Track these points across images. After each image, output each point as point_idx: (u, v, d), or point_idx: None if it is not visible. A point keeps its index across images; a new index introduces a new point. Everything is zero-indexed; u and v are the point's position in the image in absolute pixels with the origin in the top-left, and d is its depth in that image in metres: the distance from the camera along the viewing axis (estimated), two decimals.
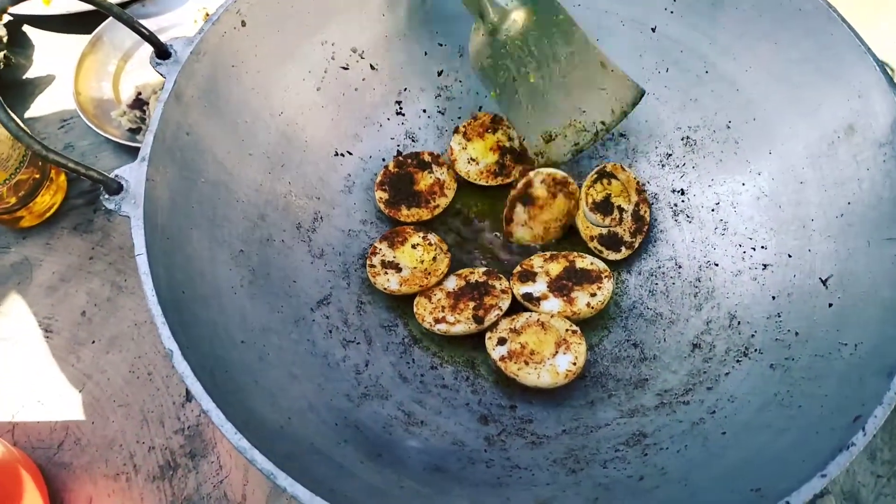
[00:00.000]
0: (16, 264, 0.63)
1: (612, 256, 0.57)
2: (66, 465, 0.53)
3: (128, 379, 0.56)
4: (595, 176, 0.59)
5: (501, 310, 0.53)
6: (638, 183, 0.59)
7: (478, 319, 0.52)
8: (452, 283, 0.55)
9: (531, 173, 0.55)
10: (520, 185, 0.56)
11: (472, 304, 0.54)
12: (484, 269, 0.57)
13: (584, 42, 0.54)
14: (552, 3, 0.54)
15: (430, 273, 0.55)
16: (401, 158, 0.61)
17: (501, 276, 0.56)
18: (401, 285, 0.54)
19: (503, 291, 0.55)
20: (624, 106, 0.55)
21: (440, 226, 0.61)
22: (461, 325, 0.52)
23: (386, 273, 0.55)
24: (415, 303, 0.54)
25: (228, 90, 0.50)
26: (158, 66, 0.45)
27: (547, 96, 0.56)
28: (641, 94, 0.54)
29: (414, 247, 0.56)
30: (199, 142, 0.47)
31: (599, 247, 0.57)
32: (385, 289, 0.54)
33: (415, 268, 0.56)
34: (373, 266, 0.55)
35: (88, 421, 0.55)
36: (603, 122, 0.55)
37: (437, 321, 0.53)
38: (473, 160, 0.61)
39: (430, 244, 0.57)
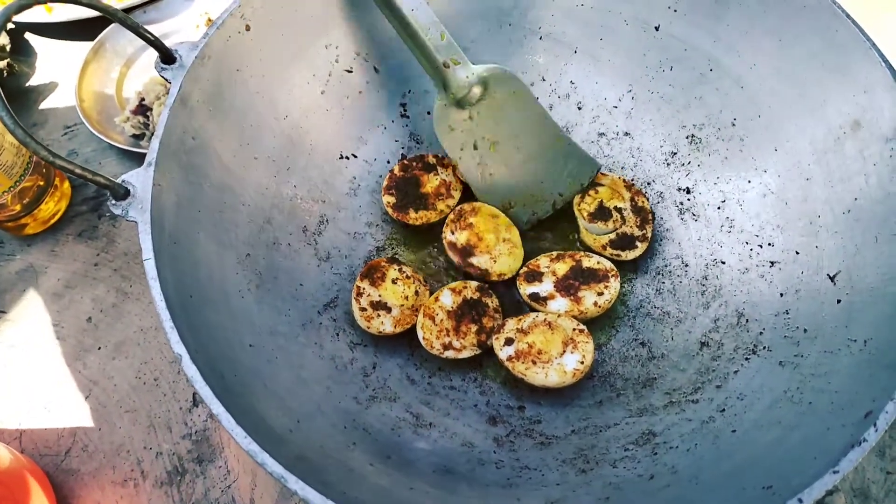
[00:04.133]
0: (21, 271, 0.63)
1: (632, 255, 0.57)
2: (73, 471, 0.53)
3: (134, 385, 0.56)
4: (581, 192, 0.59)
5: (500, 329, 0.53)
6: (623, 180, 0.59)
7: (482, 346, 0.53)
8: (448, 300, 0.54)
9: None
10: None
11: (474, 328, 0.53)
12: (476, 284, 0.56)
13: (543, 117, 0.57)
14: (512, 79, 0.56)
15: (417, 308, 0.55)
16: (406, 162, 0.61)
17: (491, 292, 0.55)
18: (395, 326, 0.53)
19: (496, 311, 0.55)
20: (581, 178, 0.58)
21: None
22: (467, 350, 0.52)
23: (378, 315, 0.53)
24: (419, 326, 0.53)
25: (233, 94, 0.50)
26: (163, 71, 0.45)
27: (506, 167, 0.58)
28: (597, 168, 0.58)
29: (394, 282, 0.55)
30: (204, 146, 0.47)
31: (615, 251, 0.57)
32: (380, 332, 0.53)
33: (402, 305, 0.54)
34: (364, 310, 0.53)
35: (95, 427, 0.55)
36: (560, 194, 0.59)
37: (445, 347, 0.52)
38: None
39: (407, 277, 0.56)
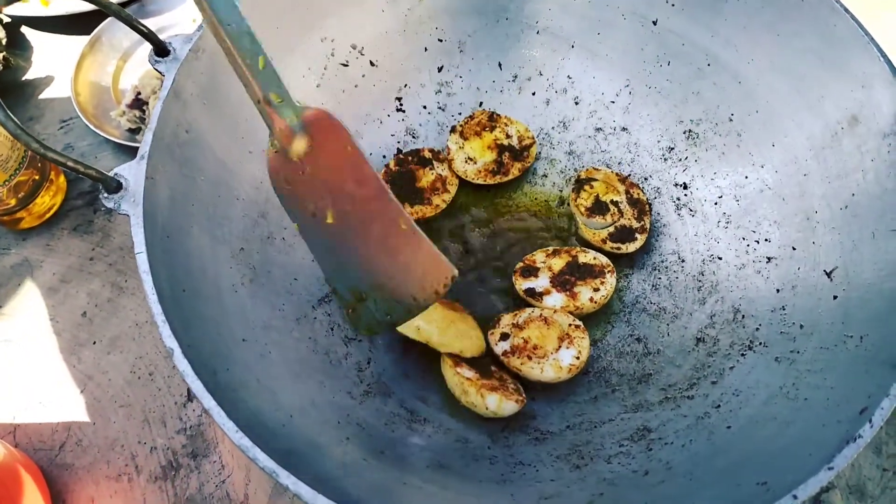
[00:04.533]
0: (16, 266, 0.63)
1: (632, 247, 0.57)
2: (67, 466, 0.53)
3: (129, 379, 0.56)
4: (574, 187, 0.59)
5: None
6: (617, 174, 0.59)
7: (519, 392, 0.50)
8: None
9: None
10: None
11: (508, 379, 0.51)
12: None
13: (382, 192, 0.43)
14: (338, 130, 0.43)
15: None
16: (401, 157, 0.61)
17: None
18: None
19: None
20: (435, 285, 0.43)
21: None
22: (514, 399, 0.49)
23: None
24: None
25: (228, 87, 0.49)
26: (157, 64, 0.45)
27: (347, 245, 0.45)
28: (454, 276, 0.43)
29: None
30: (198, 139, 0.47)
31: (615, 244, 0.57)
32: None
33: None
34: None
35: (90, 422, 0.54)
36: (414, 298, 0.44)
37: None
38: (471, 159, 0.61)
39: None
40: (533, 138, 0.62)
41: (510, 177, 0.61)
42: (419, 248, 0.44)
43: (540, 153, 0.64)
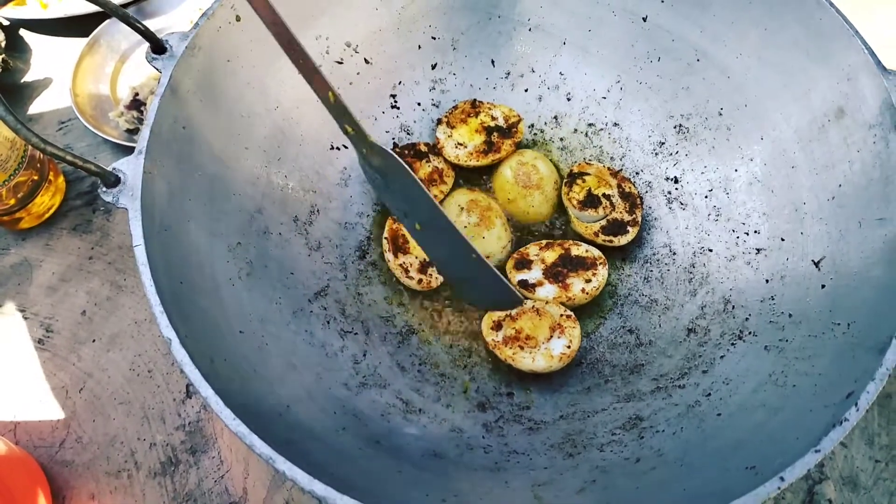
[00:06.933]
0: (16, 265, 0.63)
1: (624, 240, 0.57)
2: (67, 463, 0.53)
3: (128, 377, 0.57)
4: (567, 181, 0.60)
5: None
6: (609, 168, 0.60)
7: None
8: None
9: None
10: None
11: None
12: None
13: (452, 231, 0.51)
14: (398, 165, 0.50)
15: None
16: (398, 150, 0.61)
17: None
18: None
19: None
20: (502, 306, 0.54)
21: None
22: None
23: (431, 274, 0.56)
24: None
25: (224, 84, 0.50)
26: (154, 61, 0.46)
27: (440, 248, 0.53)
28: (518, 303, 0.53)
29: None
30: (195, 135, 0.47)
31: (606, 237, 0.57)
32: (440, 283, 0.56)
33: None
34: (420, 280, 0.55)
35: (89, 419, 0.55)
36: (493, 304, 0.55)
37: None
38: (461, 144, 0.61)
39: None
40: (518, 116, 0.62)
41: (503, 153, 0.61)
42: (486, 274, 0.52)
43: (533, 143, 0.65)
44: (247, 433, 0.34)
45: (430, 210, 0.50)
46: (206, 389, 0.35)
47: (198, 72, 0.47)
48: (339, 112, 0.47)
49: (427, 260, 0.56)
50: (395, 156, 0.49)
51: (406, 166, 0.49)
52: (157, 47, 0.46)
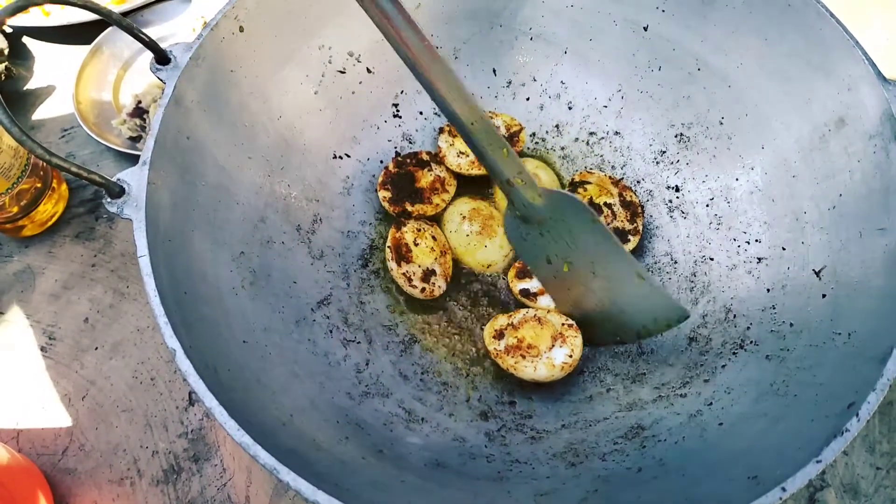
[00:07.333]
0: (18, 273, 0.63)
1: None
2: (70, 470, 0.53)
3: (131, 384, 0.57)
4: (568, 190, 0.60)
5: None
6: (610, 177, 0.60)
7: None
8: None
9: None
10: None
11: None
12: None
13: (621, 254, 0.51)
14: (582, 210, 0.50)
15: (445, 249, 0.58)
16: (400, 159, 0.61)
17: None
18: (446, 280, 0.57)
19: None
20: (669, 321, 0.52)
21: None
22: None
23: (434, 283, 0.56)
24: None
25: (228, 94, 0.50)
26: (158, 72, 0.46)
27: (584, 287, 0.53)
28: (685, 316, 0.51)
29: (416, 244, 0.57)
30: (199, 145, 0.47)
31: None
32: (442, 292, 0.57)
33: (436, 257, 0.57)
34: (423, 289, 0.56)
35: (92, 427, 0.55)
36: (645, 326, 0.53)
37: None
38: (463, 153, 0.61)
39: (418, 230, 0.58)
40: (520, 125, 0.63)
41: None
42: (653, 295, 0.51)
43: (534, 152, 0.65)
44: (251, 444, 0.34)
45: (606, 244, 0.50)
46: (210, 400, 0.35)
47: (202, 82, 0.48)
48: (512, 166, 0.48)
49: (430, 268, 0.56)
50: (572, 195, 0.50)
51: (585, 203, 0.50)
52: (162, 58, 0.46)
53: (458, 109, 0.45)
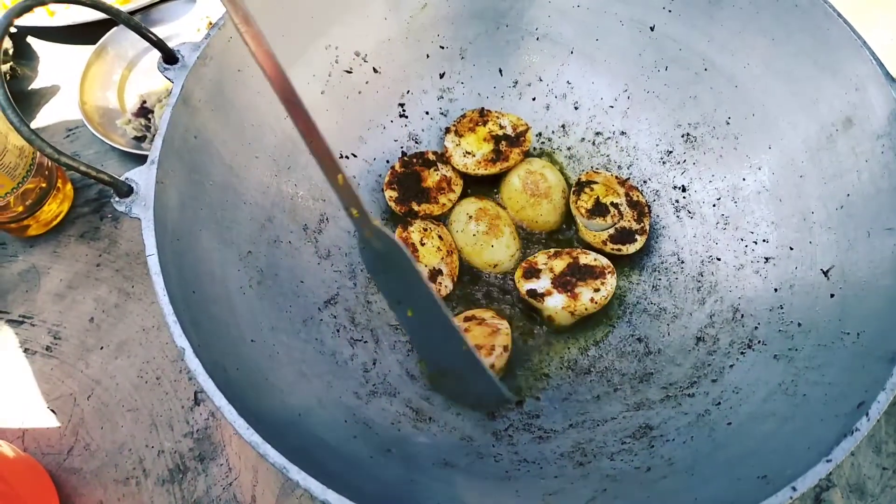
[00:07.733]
0: (23, 272, 0.63)
1: (632, 248, 0.58)
2: (76, 470, 0.53)
3: (136, 384, 0.57)
4: (575, 190, 0.60)
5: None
6: (616, 177, 0.60)
7: None
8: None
9: None
10: None
11: None
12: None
13: (444, 315, 0.46)
14: (399, 250, 0.45)
15: (451, 249, 0.58)
16: (406, 158, 0.61)
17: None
18: (453, 280, 0.58)
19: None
20: (487, 404, 0.50)
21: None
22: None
23: (442, 282, 0.56)
24: None
25: (235, 94, 0.50)
26: (166, 72, 0.46)
27: (428, 336, 0.49)
28: (504, 401, 0.49)
29: (422, 244, 0.57)
30: (206, 145, 0.48)
31: (615, 246, 0.58)
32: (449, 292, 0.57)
33: (442, 256, 0.57)
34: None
35: (97, 426, 0.55)
36: (473, 407, 0.51)
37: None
38: (469, 153, 0.61)
39: (424, 230, 0.58)
40: (526, 125, 0.63)
41: (511, 162, 0.61)
42: (476, 369, 0.47)
43: (541, 151, 0.65)
44: (260, 443, 0.34)
45: (426, 296, 0.46)
46: (219, 399, 0.35)
47: (209, 82, 0.48)
48: (347, 195, 0.44)
49: (436, 268, 0.56)
50: (398, 240, 0.45)
51: (407, 251, 0.46)
52: (169, 57, 0.46)
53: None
